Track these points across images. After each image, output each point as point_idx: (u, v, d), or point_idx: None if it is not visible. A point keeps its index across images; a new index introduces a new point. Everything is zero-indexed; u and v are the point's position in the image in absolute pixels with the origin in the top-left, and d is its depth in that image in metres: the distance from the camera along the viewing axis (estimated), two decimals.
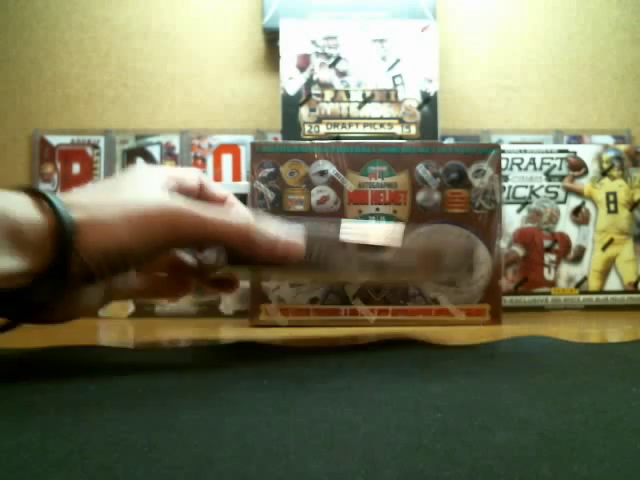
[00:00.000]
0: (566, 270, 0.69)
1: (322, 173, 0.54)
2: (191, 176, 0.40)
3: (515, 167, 0.71)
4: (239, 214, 0.37)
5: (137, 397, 0.25)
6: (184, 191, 0.37)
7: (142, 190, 0.33)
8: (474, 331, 0.49)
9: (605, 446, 0.18)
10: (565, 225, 0.70)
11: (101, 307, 0.38)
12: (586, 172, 0.71)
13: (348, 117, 0.84)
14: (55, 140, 1.03)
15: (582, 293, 0.69)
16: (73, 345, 0.39)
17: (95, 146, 1.03)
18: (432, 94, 0.86)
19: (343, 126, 0.83)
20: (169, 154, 1.04)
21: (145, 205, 0.32)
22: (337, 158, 0.54)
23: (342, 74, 0.85)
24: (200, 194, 0.40)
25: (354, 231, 0.38)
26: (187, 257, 0.42)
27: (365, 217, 0.54)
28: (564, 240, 0.70)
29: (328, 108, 0.84)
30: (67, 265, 0.29)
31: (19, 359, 0.36)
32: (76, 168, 1.03)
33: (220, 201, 0.41)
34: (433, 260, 0.37)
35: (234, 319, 0.61)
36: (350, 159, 0.54)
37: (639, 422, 0.20)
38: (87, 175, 1.03)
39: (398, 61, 0.86)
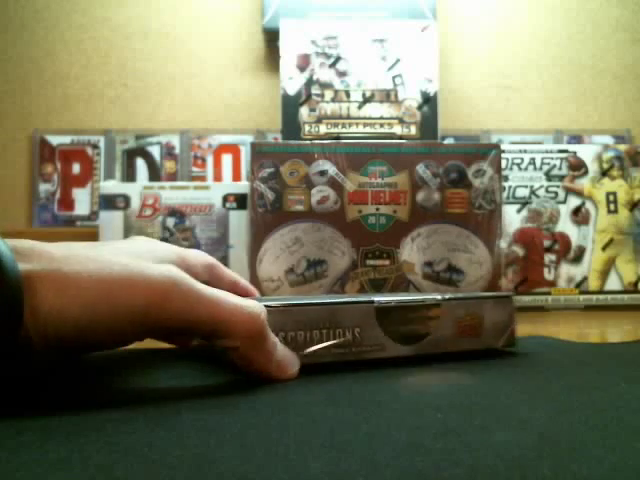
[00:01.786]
0: (566, 270, 0.69)
1: (322, 173, 0.54)
2: (197, 255, 0.35)
3: (515, 167, 0.71)
4: (251, 303, 0.27)
5: (137, 397, 0.25)
6: (190, 270, 0.32)
7: (135, 255, 0.27)
8: None
9: (605, 446, 0.18)
10: (565, 225, 0.70)
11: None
12: (586, 172, 0.71)
13: (348, 117, 0.84)
14: (55, 140, 1.03)
15: (582, 293, 0.69)
16: None
17: (95, 146, 1.03)
18: (432, 94, 0.86)
19: (343, 126, 0.83)
20: (169, 154, 1.04)
21: (130, 269, 0.24)
22: (337, 158, 0.54)
23: (342, 74, 0.85)
24: (209, 277, 0.35)
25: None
26: None
27: (365, 217, 0.54)
28: (564, 240, 0.70)
29: (328, 108, 0.84)
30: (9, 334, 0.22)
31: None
32: (76, 168, 1.03)
33: (230, 285, 0.37)
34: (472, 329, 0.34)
35: None
36: (350, 159, 0.54)
37: (639, 422, 0.20)
38: (87, 175, 1.03)
39: (398, 61, 0.86)
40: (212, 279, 0.35)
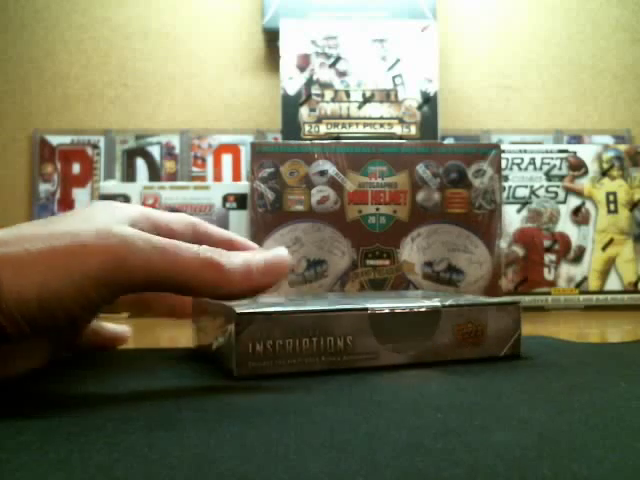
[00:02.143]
0: (566, 270, 0.69)
1: (322, 173, 0.54)
2: (178, 218, 0.33)
3: (515, 167, 0.71)
4: (196, 247, 0.26)
5: (137, 397, 0.25)
6: (159, 229, 0.31)
7: (89, 221, 0.26)
8: None
9: (605, 446, 0.18)
10: (565, 225, 0.70)
11: (46, 361, 0.30)
12: (586, 172, 0.71)
13: (348, 117, 0.84)
14: (55, 140, 1.03)
15: (582, 293, 0.69)
16: None
17: (95, 146, 1.03)
18: (432, 94, 0.86)
19: (343, 126, 0.83)
20: (169, 154, 1.04)
21: (81, 236, 0.23)
22: (337, 158, 0.54)
23: (342, 74, 0.85)
24: (193, 237, 0.33)
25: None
26: None
27: (365, 217, 0.54)
28: (564, 240, 0.70)
29: (328, 108, 0.84)
30: None
31: None
32: (76, 168, 1.03)
33: (221, 243, 0.34)
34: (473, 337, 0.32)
35: None
36: (350, 159, 0.54)
37: (639, 422, 0.20)
38: (87, 175, 1.03)
39: (398, 61, 0.86)
40: (198, 239, 0.33)
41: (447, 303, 0.32)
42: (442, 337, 0.31)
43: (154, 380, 0.29)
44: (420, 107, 0.85)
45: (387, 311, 0.30)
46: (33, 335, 0.23)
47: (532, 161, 0.71)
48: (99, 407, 0.23)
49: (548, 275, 0.69)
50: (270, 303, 0.32)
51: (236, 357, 0.28)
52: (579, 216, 0.70)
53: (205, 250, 0.26)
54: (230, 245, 0.35)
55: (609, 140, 1.06)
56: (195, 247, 0.26)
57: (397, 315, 0.31)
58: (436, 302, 0.32)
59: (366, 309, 0.30)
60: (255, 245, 0.37)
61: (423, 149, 0.55)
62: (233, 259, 0.27)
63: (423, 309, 0.31)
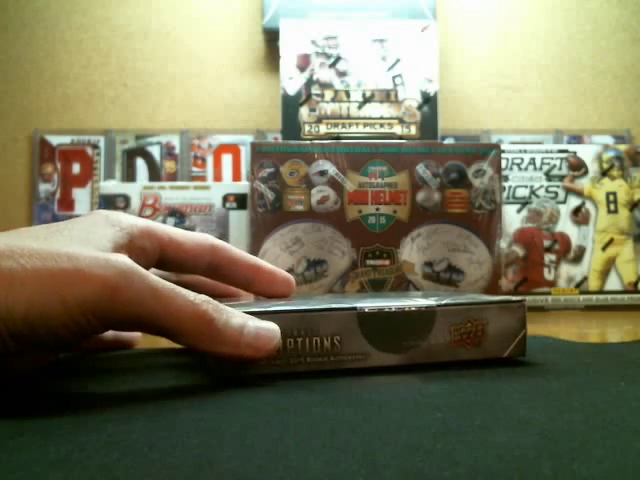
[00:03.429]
0: (566, 270, 0.69)
1: (322, 173, 0.54)
2: (194, 238, 0.31)
3: (515, 167, 0.71)
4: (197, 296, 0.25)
5: (137, 397, 0.25)
6: (169, 250, 0.30)
7: (88, 241, 0.25)
8: None
9: (605, 446, 0.18)
10: (565, 225, 0.70)
11: (47, 362, 0.30)
12: (586, 172, 0.71)
13: (348, 117, 0.84)
14: (55, 140, 1.03)
15: (582, 293, 0.69)
16: None
17: (95, 146, 1.03)
18: (432, 94, 0.86)
19: (343, 126, 0.83)
20: (169, 154, 1.04)
21: (80, 261, 0.23)
22: (337, 158, 0.54)
23: (342, 74, 0.85)
24: (211, 261, 0.32)
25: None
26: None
27: (365, 217, 0.54)
28: (564, 240, 0.70)
29: (328, 108, 0.84)
30: None
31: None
32: (76, 168, 1.03)
33: (245, 268, 0.33)
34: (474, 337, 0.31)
35: None
36: (350, 159, 0.54)
37: (639, 422, 0.20)
38: (87, 175, 1.03)
39: (398, 61, 0.86)
40: (217, 263, 0.32)
41: (443, 302, 0.30)
42: (438, 337, 0.30)
43: (154, 380, 0.29)
44: (420, 107, 0.85)
45: (376, 311, 0.29)
46: (18, 353, 0.23)
47: (532, 161, 0.71)
48: (99, 407, 0.23)
49: (548, 275, 0.69)
50: (254, 303, 0.31)
51: (217, 357, 0.27)
52: (579, 216, 0.70)
53: (202, 301, 0.25)
54: (256, 271, 0.33)
55: (609, 140, 1.06)
56: (193, 296, 0.25)
57: (388, 315, 0.29)
58: (431, 301, 0.31)
59: (354, 308, 0.29)
60: (285, 274, 0.34)
61: (423, 149, 0.55)
62: (231, 319, 0.26)
63: (416, 308, 0.30)
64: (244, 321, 0.26)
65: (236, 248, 0.33)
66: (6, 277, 0.22)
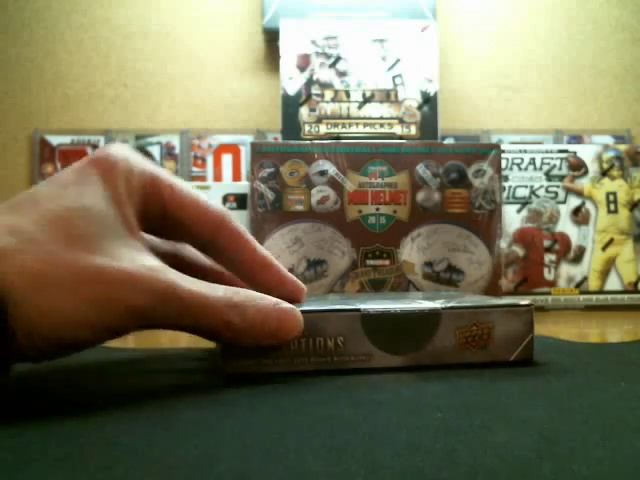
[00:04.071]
0: (566, 270, 0.69)
1: (322, 173, 0.54)
2: (203, 209, 0.28)
3: (515, 167, 0.71)
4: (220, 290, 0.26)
5: (137, 397, 0.25)
6: (170, 209, 0.27)
7: (111, 239, 0.24)
8: None
9: (605, 446, 0.18)
10: (565, 225, 0.70)
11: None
12: (586, 172, 0.71)
13: (348, 117, 0.84)
14: (55, 140, 1.03)
15: (582, 293, 0.69)
16: None
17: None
18: (432, 94, 0.86)
19: (343, 126, 0.83)
20: (169, 154, 1.04)
21: (129, 270, 0.23)
22: (337, 158, 0.54)
23: (342, 74, 0.85)
24: (217, 239, 0.29)
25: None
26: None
27: (365, 217, 0.54)
28: (564, 240, 0.70)
29: (328, 108, 0.84)
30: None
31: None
32: None
33: (255, 262, 0.30)
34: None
35: None
36: (350, 159, 0.54)
37: (639, 422, 0.20)
38: None
39: (398, 61, 0.86)
40: (224, 245, 0.29)
41: (449, 305, 0.30)
42: (443, 340, 0.30)
43: (154, 380, 0.29)
44: (420, 107, 0.85)
45: (381, 312, 0.29)
46: (37, 351, 0.22)
47: (532, 161, 0.71)
48: (99, 407, 0.23)
49: (548, 275, 0.69)
50: None
51: (222, 354, 0.27)
52: (579, 216, 0.70)
53: (231, 306, 0.25)
54: (264, 268, 0.31)
55: (609, 140, 1.06)
56: (222, 290, 0.26)
57: (392, 316, 0.29)
58: (437, 304, 0.30)
59: (358, 310, 0.29)
60: (297, 282, 0.32)
61: (423, 149, 0.55)
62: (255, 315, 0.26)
63: (420, 311, 0.30)
64: (267, 312, 0.26)
65: (252, 237, 0.30)
66: (48, 294, 0.21)
